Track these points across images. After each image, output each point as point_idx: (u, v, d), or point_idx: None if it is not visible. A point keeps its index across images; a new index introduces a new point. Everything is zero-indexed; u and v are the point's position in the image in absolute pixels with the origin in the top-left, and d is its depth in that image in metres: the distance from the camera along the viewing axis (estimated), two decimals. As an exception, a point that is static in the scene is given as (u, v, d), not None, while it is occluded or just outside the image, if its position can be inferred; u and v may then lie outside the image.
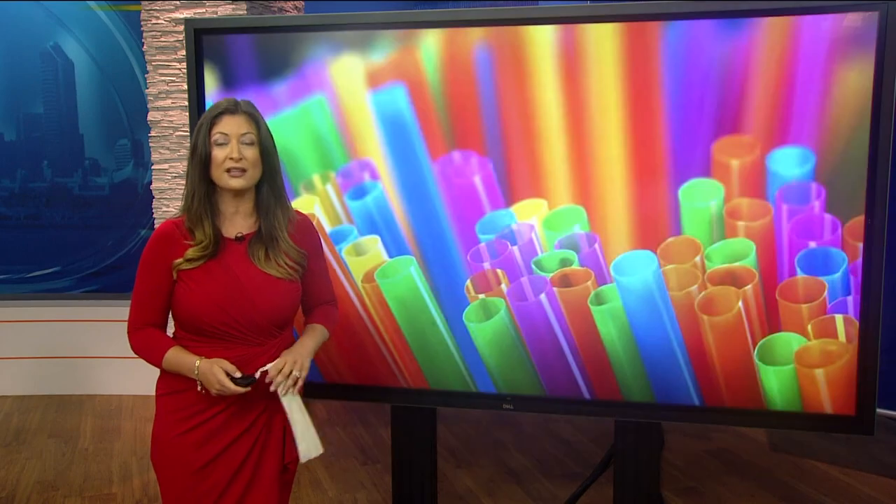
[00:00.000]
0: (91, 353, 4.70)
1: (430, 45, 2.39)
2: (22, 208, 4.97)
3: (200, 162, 1.93)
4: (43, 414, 4.47)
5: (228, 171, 1.92)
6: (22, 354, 4.74)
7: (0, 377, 4.74)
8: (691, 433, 4.02)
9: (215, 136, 1.93)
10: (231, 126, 1.93)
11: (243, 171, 1.93)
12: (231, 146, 1.92)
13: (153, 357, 1.98)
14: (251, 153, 1.93)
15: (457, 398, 2.58)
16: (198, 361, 1.92)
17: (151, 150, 4.36)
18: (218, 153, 1.92)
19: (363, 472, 3.66)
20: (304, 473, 3.60)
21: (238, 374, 1.90)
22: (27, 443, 4.06)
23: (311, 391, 2.67)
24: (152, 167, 4.36)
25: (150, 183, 4.41)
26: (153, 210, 4.41)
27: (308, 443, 1.97)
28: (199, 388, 1.94)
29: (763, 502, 3.34)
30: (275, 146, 2.02)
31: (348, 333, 2.58)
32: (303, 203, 2.51)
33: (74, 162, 4.96)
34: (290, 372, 1.94)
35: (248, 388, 1.91)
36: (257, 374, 1.93)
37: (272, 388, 1.93)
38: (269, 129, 2.00)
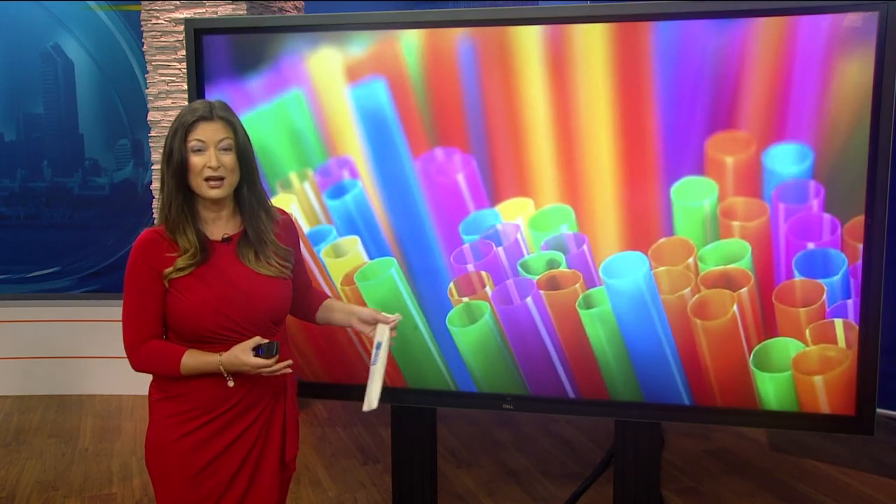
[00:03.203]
0: (91, 353, 4.70)
1: (412, 38, 2.37)
2: (22, 208, 4.98)
3: (177, 169, 1.90)
4: (43, 414, 4.47)
5: (207, 180, 1.89)
6: (22, 354, 4.74)
7: (0, 377, 4.75)
8: (691, 433, 4.01)
9: (192, 143, 1.89)
10: (208, 133, 1.89)
11: (221, 179, 1.90)
12: (209, 154, 1.89)
13: (167, 367, 1.93)
14: (229, 159, 1.91)
15: (457, 398, 2.57)
16: (219, 357, 1.90)
17: (151, 150, 4.37)
18: (196, 160, 1.89)
19: (363, 472, 3.65)
20: (304, 473, 3.60)
21: (263, 342, 1.89)
22: (27, 443, 4.06)
23: (311, 391, 2.67)
24: (152, 167, 4.37)
25: (150, 183, 4.42)
26: (153, 210, 4.41)
27: (375, 396, 2.00)
28: (229, 382, 1.93)
29: (763, 502, 3.33)
30: (252, 148, 1.99)
31: (327, 337, 2.57)
32: (280, 202, 2.49)
33: (74, 162, 4.97)
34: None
35: (276, 356, 1.88)
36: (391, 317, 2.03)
37: (387, 338, 2.02)
38: (245, 132, 1.98)
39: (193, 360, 1.92)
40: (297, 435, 2.09)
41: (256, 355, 1.88)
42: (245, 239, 1.98)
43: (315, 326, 2.28)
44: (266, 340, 1.90)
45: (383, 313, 2.06)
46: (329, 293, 2.49)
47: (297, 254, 2.12)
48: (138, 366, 1.96)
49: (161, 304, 1.93)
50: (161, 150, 4.44)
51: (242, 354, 1.88)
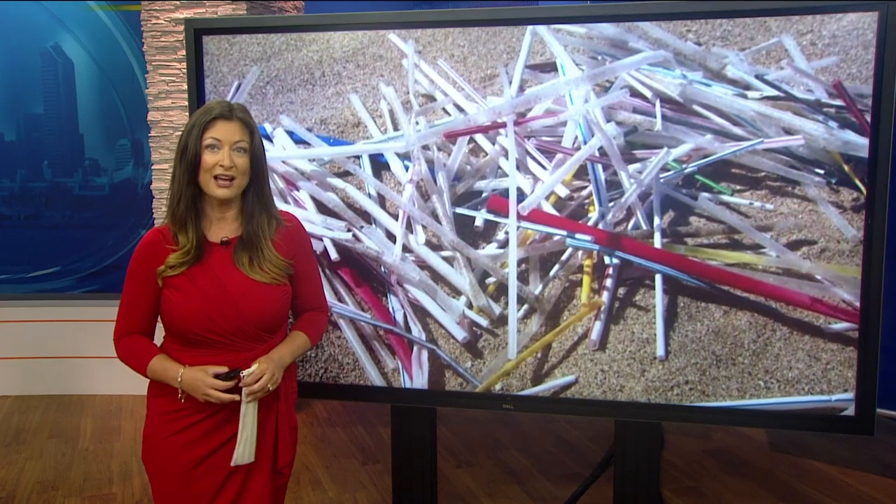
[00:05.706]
0: (91, 353, 4.70)
1: (411, 38, 2.38)
2: (22, 208, 4.98)
3: (190, 165, 1.90)
4: (43, 414, 4.47)
5: (216, 178, 1.89)
6: (22, 354, 4.75)
7: (0, 377, 4.75)
8: (691, 433, 4.01)
9: (207, 141, 1.89)
10: (225, 132, 1.90)
11: (231, 179, 1.90)
12: (223, 153, 1.89)
13: (138, 365, 1.97)
14: (242, 161, 1.91)
15: (457, 398, 2.57)
16: (181, 370, 1.90)
17: (151, 150, 4.37)
18: (208, 158, 1.89)
19: (363, 472, 3.65)
20: (304, 473, 3.60)
21: (223, 370, 1.88)
22: (27, 443, 4.06)
23: (311, 391, 2.66)
24: (152, 167, 4.37)
25: (150, 183, 4.42)
26: (153, 210, 4.41)
27: (246, 450, 1.95)
28: (179, 396, 1.92)
29: (763, 502, 3.33)
30: (264, 153, 1.99)
31: (327, 337, 2.57)
32: (278, 203, 2.49)
33: (74, 162, 4.98)
34: (265, 384, 1.91)
35: (235, 382, 1.87)
36: (243, 374, 1.90)
37: (244, 393, 1.90)
38: (260, 137, 1.98)
39: (160, 365, 1.93)
40: (293, 442, 2.08)
41: (219, 376, 1.87)
42: (242, 243, 1.97)
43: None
44: (226, 369, 1.88)
45: (247, 372, 1.91)
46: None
47: (304, 265, 2.08)
48: (120, 356, 2.00)
49: (152, 303, 1.96)
50: (161, 150, 4.48)
51: (205, 377, 1.87)
